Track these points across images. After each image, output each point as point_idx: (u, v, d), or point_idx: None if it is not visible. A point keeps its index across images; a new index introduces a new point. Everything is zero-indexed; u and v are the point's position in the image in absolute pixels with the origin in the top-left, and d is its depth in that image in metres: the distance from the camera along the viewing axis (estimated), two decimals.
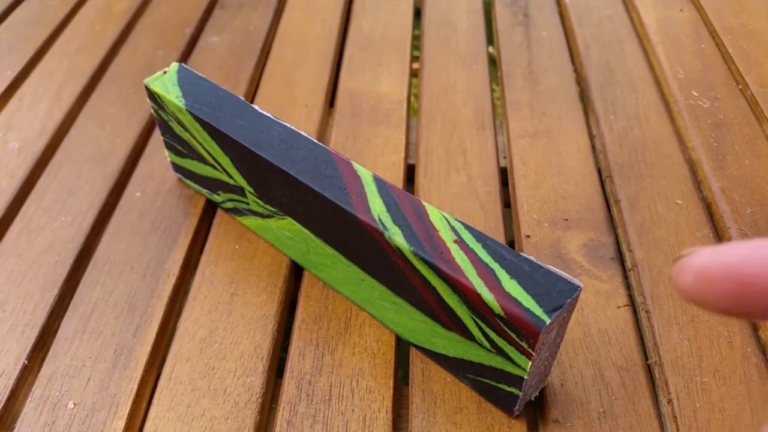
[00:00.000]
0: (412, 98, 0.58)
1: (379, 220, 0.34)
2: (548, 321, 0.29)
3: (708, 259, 0.15)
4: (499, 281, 0.31)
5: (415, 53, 0.64)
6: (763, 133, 0.53)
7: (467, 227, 0.33)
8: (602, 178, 0.50)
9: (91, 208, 0.46)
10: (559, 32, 0.65)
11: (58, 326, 0.39)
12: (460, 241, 0.33)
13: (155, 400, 0.36)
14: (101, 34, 0.64)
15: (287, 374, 0.37)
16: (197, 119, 0.40)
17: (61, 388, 0.36)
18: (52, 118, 0.54)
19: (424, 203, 0.35)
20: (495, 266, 0.31)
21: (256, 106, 0.40)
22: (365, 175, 0.36)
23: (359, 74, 0.59)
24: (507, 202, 0.49)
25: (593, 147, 0.52)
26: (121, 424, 0.35)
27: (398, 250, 0.33)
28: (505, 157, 0.52)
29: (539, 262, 0.31)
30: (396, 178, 0.49)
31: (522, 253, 0.32)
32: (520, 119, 0.54)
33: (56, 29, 0.65)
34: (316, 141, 0.38)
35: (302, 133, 0.39)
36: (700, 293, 0.15)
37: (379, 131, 0.53)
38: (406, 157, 0.51)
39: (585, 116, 0.55)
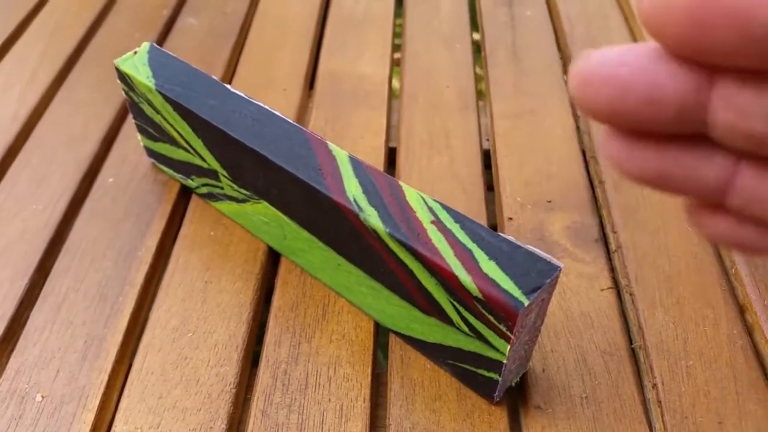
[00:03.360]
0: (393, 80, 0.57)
1: (354, 201, 0.33)
2: (527, 302, 0.28)
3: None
4: (476, 262, 0.30)
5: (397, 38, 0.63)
6: None
7: (445, 207, 0.32)
8: (586, 159, 0.49)
9: (63, 194, 0.45)
10: (543, 11, 0.63)
11: (28, 317, 0.38)
12: (437, 222, 0.31)
13: (126, 392, 0.35)
14: (78, 16, 0.62)
15: (262, 363, 0.36)
16: (168, 99, 0.39)
17: (29, 380, 0.35)
18: (24, 104, 0.53)
19: (402, 183, 0.33)
20: (473, 247, 0.30)
21: (229, 86, 0.39)
22: (341, 155, 0.35)
23: (340, 54, 0.58)
24: (490, 185, 0.48)
25: (577, 127, 0.51)
26: (90, 416, 0.34)
27: (374, 232, 0.32)
28: (488, 139, 0.51)
29: (519, 243, 0.30)
30: (377, 161, 0.48)
31: (501, 234, 0.31)
32: (503, 100, 0.53)
33: (32, 11, 0.63)
34: (291, 121, 0.37)
35: (276, 112, 0.37)
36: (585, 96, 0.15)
37: (359, 113, 0.52)
38: (387, 140, 0.50)
39: (569, 96, 0.54)
